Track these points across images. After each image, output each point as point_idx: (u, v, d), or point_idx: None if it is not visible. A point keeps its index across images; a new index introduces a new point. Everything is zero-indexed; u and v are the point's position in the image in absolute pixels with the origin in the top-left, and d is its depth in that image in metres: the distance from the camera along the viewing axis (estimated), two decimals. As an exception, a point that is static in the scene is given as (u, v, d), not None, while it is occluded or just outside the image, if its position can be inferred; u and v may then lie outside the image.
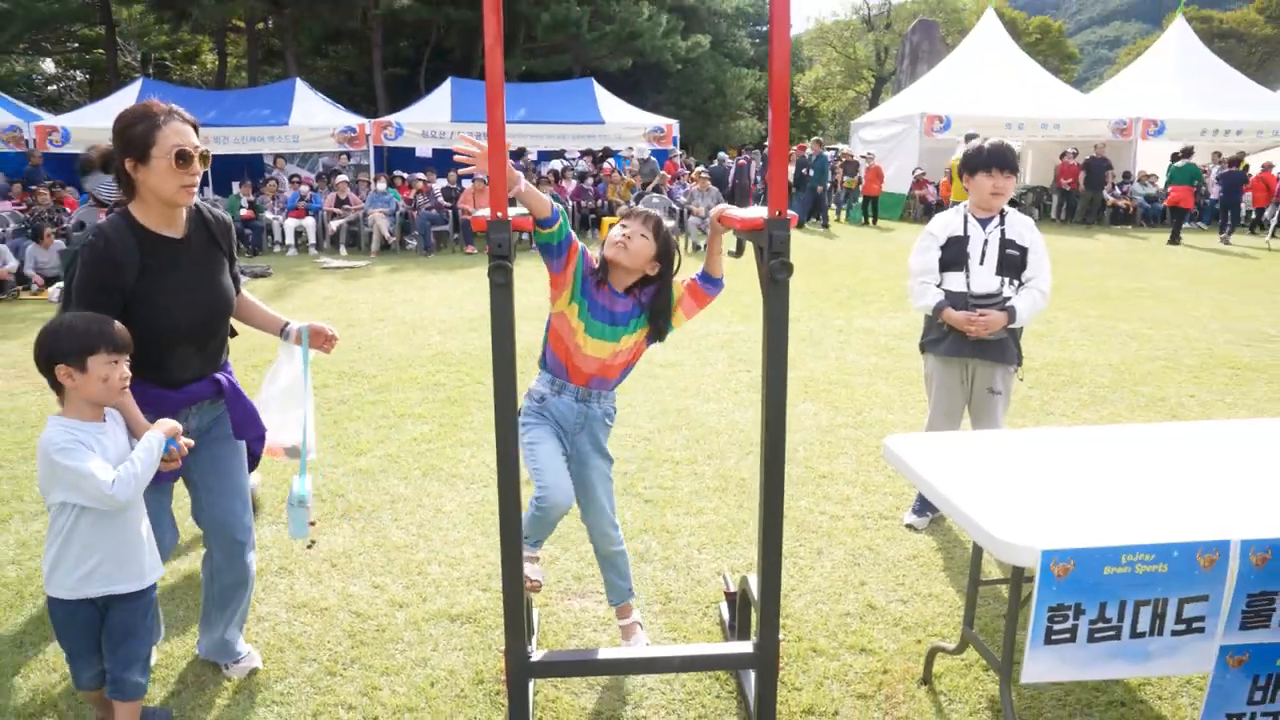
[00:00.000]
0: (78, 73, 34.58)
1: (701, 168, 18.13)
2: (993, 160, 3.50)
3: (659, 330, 2.77)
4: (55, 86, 34.78)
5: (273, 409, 2.96)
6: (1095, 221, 18.84)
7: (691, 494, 4.30)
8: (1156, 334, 7.87)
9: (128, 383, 2.28)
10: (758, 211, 2.31)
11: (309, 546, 3.61)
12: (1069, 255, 12.57)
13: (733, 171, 20.13)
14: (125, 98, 17.96)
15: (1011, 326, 3.52)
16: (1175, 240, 15.53)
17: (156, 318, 2.39)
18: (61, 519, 2.24)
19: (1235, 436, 2.79)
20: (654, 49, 26.90)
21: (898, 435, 2.69)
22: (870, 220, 19.08)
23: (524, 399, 2.80)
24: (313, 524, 2.80)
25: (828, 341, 7.52)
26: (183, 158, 2.33)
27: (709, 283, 2.78)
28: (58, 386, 2.25)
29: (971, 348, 3.57)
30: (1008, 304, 3.50)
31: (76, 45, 31.61)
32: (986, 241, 3.55)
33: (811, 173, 17.72)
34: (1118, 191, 19.19)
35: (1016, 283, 3.55)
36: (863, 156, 19.90)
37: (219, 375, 2.63)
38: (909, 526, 3.89)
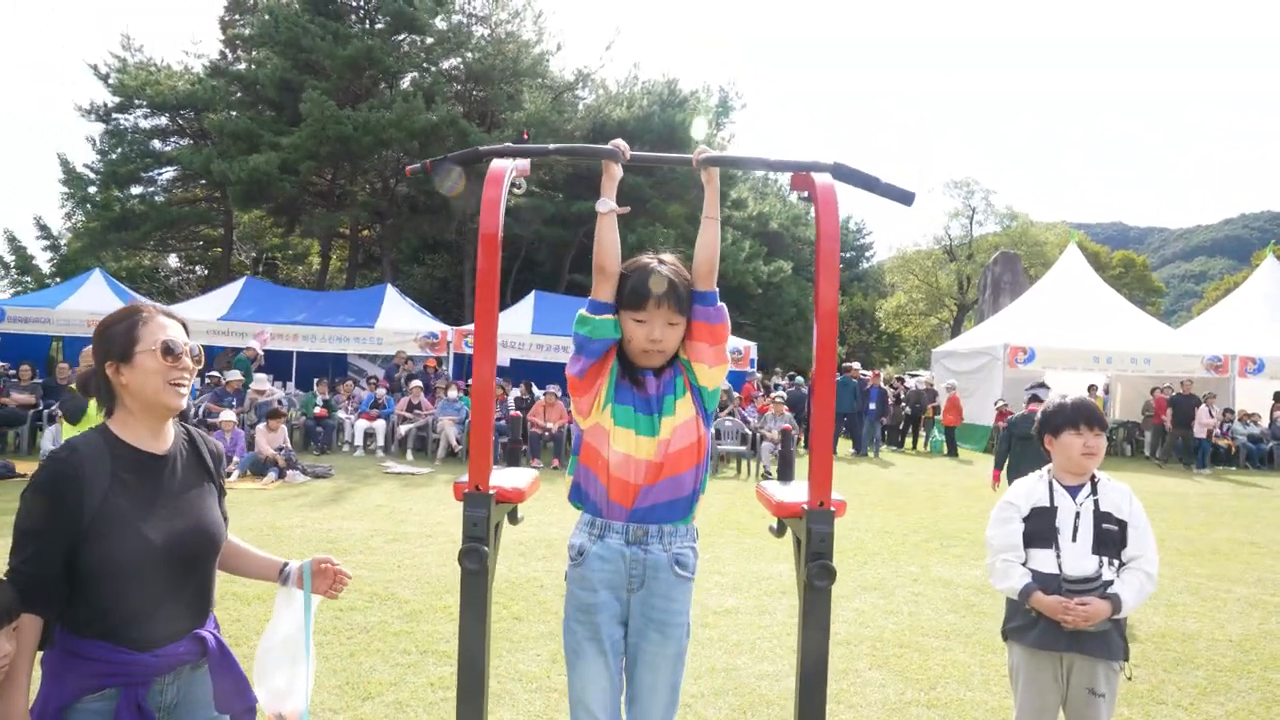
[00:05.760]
0: (197, 268, 37.19)
1: (780, 392, 17.99)
2: (1079, 416, 3.07)
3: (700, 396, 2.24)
4: (175, 279, 37.37)
5: (273, 668, 2.41)
6: (1192, 462, 17.87)
7: (731, 785, 3.68)
8: (1281, 603, 6.99)
9: (7, 662, 1.87)
10: (797, 494, 1.94)
11: None
12: (1166, 499, 11.68)
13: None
14: (228, 293, 18.98)
15: (1115, 617, 2.98)
16: None
17: (126, 542, 1.95)
18: None
19: None
20: (735, 273, 27.50)
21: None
22: (950, 451, 18.50)
23: (569, 552, 2.27)
24: None
25: (900, 592, 6.85)
26: (169, 351, 2.06)
27: (699, 302, 2.29)
28: None
29: (1067, 640, 2.99)
30: (1110, 591, 2.97)
31: (199, 244, 34.16)
32: (1079, 514, 3.05)
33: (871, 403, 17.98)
34: (1218, 431, 18.25)
35: (1116, 563, 3.02)
36: (946, 386, 19.48)
37: (203, 632, 2.15)
38: None
